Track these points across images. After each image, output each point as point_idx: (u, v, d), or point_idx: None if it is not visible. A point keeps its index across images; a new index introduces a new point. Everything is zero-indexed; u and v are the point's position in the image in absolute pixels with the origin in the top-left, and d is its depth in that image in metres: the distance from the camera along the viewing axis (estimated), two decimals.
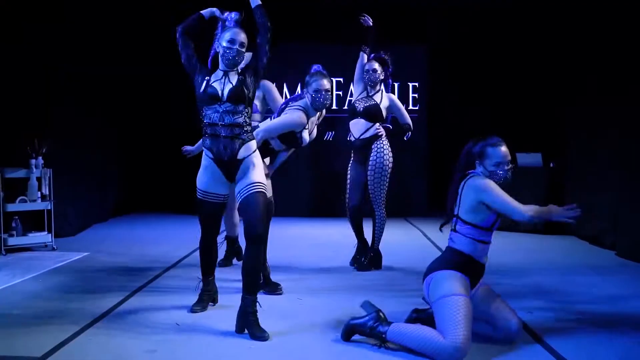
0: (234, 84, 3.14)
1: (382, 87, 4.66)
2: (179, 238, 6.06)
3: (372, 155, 4.53)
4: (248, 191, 3.11)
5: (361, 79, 4.66)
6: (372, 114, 4.54)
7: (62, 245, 5.53)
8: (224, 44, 3.17)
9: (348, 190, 4.67)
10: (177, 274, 4.40)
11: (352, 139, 4.65)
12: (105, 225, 7.07)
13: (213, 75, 3.19)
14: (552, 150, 6.94)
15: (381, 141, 4.54)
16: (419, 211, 8.08)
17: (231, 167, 3.17)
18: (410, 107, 8.08)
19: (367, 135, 4.54)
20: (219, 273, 3.87)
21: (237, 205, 3.27)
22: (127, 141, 8.15)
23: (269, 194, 3.72)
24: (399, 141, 7.89)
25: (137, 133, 8.29)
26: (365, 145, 4.56)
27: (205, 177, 3.24)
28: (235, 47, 3.16)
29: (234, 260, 4.81)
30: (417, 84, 8.14)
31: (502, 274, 4.48)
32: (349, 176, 4.69)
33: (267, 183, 3.67)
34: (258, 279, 3.15)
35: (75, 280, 4.23)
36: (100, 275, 4.38)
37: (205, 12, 3.29)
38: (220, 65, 3.22)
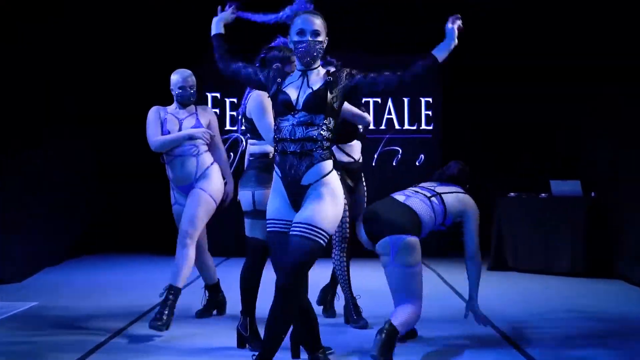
0: (314, 88, 2.99)
1: None
2: (149, 284, 5.90)
3: (361, 182, 4.53)
4: (295, 232, 2.91)
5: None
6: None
7: (6, 294, 5.43)
8: (294, 37, 3.03)
9: (348, 221, 4.39)
10: (144, 328, 4.25)
11: (350, 160, 4.46)
12: (59, 268, 6.98)
13: (289, 77, 3.09)
14: (594, 177, 6.88)
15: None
16: (431, 250, 7.88)
17: (297, 194, 2.99)
18: (423, 126, 8.09)
19: (361, 159, 4.58)
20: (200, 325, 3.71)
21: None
22: (88, 167, 8.07)
23: (328, 235, 3.06)
24: (410, 165, 8.11)
25: (100, 157, 8.23)
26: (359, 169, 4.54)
27: (273, 201, 3.07)
28: (306, 38, 3.00)
29: (215, 312, 4.70)
30: (430, 100, 8.15)
31: (549, 320, 4.47)
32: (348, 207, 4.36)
33: (337, 216, 3.06)
34: (277, 340, 2.97)
35: (19, 336, 4.11)
36: (52, 330, 4.27)
37: (213, 27, 3.32)
38: (297, 64, 3.09)
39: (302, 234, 2.88)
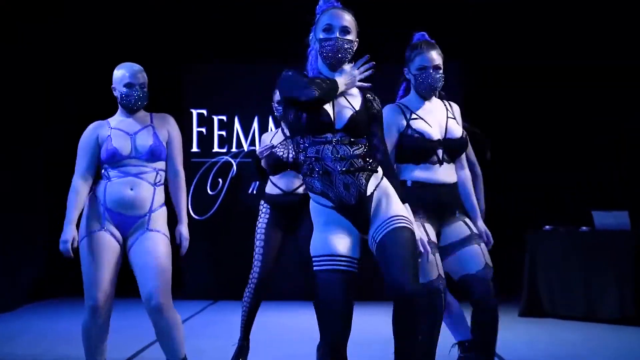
0: (356, 107, 2.95)
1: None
2: (123, 332, 5.76)
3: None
4: (389, 226, 2.83)
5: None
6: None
7: None
8: (320, 35, 2.94)
9: (261, 259, 4.54)
10: None
11: (279, 192, 4.57)
12: (15, 315, 6.93)
13: None
14: None
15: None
16: None
17: (361, 211, 2.90)
18: None
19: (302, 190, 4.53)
20: None
21: (373, 247, 2.92)
22: (51, 198, 7.99)
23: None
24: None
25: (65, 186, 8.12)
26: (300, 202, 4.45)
27: (330, 234, 2.89)
28: (334, 35, 2.93)
29: None
30: None
31: None
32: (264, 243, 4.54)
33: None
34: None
35: None
36: None
37: None
38: (324, 70, 2.99)
39: (399, 223, 2.84)
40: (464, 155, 3.65)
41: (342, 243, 2.85)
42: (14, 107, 7.15)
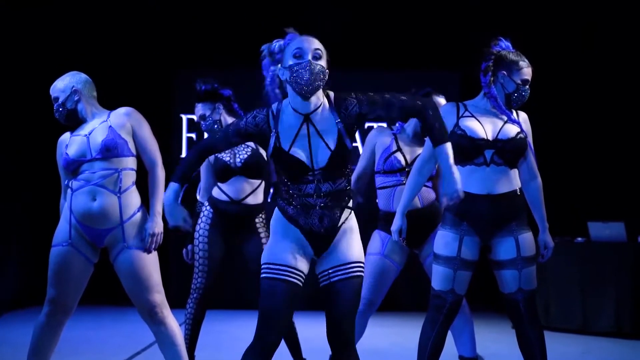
0: (331, 146, 2.80)
1: None
2: (112, 342, 5.84)
3: (254, 231, 4.44)
4: (346, 274, 2.86)
5: None
6: (255, 168, 4.44)
7: None
8: (290, 61, 2.75)
9: (203, 275, 4.44)
10: None
11: (226, 199, 4.46)
12: None
13: (280, 118, 2.82)
14: None
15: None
16: None
17: (325, 239, 2.90)
18: None
19: (253, 201, 4.46)
20: None
21: (325, 282, 2.93)
22: (32, 202, 8.13)
23: None
24: None
25: (46, 191, 8.13)
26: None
27: (285, 246, 2.87)
28: (306, 59, 2.75)
29: None
30: None
31: None
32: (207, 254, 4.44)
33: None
34: None
35: None
36: None
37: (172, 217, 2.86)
38: (295, 103, 2.80)
39: (356, 272, 2.88)
40: (534, 164, 3.58)
41: (295, 257, 2.85)
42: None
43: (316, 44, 2.79)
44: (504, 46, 3.55)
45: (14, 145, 7.96)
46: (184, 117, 8.38)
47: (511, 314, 3.54)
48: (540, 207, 3.57)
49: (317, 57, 2.77)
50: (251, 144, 4.35)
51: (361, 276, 2.89)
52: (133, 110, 3.58)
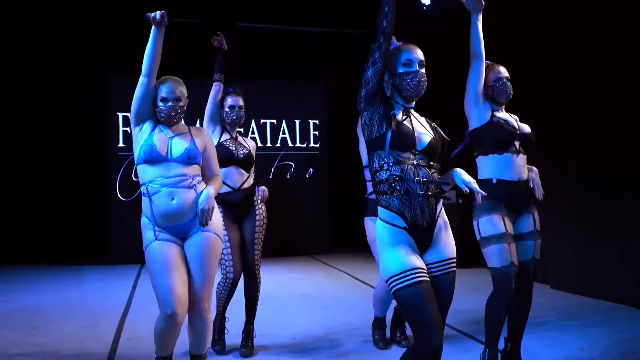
0: (430, 132, 2.83)
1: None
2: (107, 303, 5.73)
3: (251, 214, 4.59)
4: (446, 269, 2.78)
5: (215, 117, 4.60)
6: (249, 162, 4.58)
7: None
8: (400, 69, 2.83)
9: (232, 258, 4.44)
10: None
11: (228, 190, 4.52)
12: None
13: (394, 110, 2.79)
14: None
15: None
16: (322, 247, 9.79)
17: (427, 235, 2.77)
18: (311, 144, 9.84)
19: (247, 185, 4.58)
20: None
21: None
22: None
23: None
24: (301, 177, 9.69)
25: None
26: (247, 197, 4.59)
27: (403, 252, 2.70)
28: (415, 69, 2.83)
29: None
30: (317, 122, 9.94)
31: None
32: (230, 245, 4.44)
33: None
34: None
35: None
36: None
37: None
38: (397, 97, 2.84)
39: (454, 268, 2.79)
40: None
41: (415, 257, 2.70)
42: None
43: (421, 55, 2.84)
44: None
45: None
46: (120, 115, 9.03)
47: (520, 278, 3.64)
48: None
49: (423, 66, 2.83)
50: (248, 145, 4.61)
51: (455, 270, 2.78)
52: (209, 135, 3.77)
